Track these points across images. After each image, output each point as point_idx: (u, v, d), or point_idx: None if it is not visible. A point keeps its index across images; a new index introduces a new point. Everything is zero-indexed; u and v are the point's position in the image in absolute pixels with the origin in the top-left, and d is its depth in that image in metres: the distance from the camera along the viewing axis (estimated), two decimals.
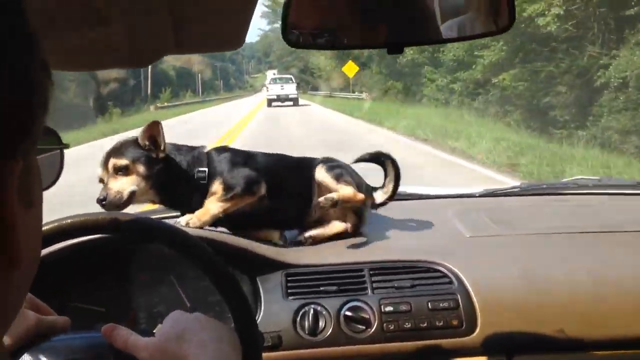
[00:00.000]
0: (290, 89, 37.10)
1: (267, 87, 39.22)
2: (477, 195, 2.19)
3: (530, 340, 1.47)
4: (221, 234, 1.61)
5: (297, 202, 1.77)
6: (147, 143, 1.62)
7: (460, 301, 1.48)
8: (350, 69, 30.43)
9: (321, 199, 1.64)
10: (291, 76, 42.41)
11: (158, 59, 0.90)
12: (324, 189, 1.74)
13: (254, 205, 1.69)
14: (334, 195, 1.65)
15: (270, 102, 36.12)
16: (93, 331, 0.94)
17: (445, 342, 1.47)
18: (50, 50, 0.83)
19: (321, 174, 1.75)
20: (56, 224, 0.99)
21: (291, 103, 35.70)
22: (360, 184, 1.76)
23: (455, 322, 1.47)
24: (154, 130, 1.62)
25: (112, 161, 1.59)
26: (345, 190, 1.69)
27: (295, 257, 1.59)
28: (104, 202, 1.56)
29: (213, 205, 1.63)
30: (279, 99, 36.27)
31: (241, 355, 0.94)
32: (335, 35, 0.96)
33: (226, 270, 1.02)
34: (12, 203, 0.40)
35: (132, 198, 1.60)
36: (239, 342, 0.95)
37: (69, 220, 0.99)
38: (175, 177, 1.65)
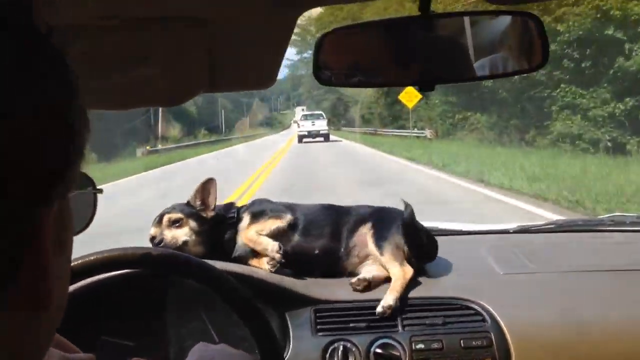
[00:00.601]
0: (321, 125, 37.60)
1: (298, 124, 39.77)
2: (510, 231, 2.16)
3: None
4: (251, 269, 1.61)
5: (329, 250, 1.72)
6: (198, 203, 1.75)
7: (493, 339, 1.45)
8: (410, 97, 22.26)
9: (353, 280, 1.58)
10: (322, 112, 42.87)
11: (191, 98, 0.91)
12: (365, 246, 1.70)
13: (285, 236, 1.69)
14: (365, 275, 1.59)
15: (301, 138, 36.69)
16: None
17: None
18: (87, 90, 0.86)
19: (366, 238, 1.70)
20: (92, 257, 1.01)
21: (322, 139, 36.03)
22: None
23: None
24: (204, 191, 1.75)
25: (167, 216, 1.72)
26: (391, 266, 1.61)
27: (325, 292, 1.57)
28: (160, 245, 1.65)
29: (249, 234, 1.68)
30: (310, 135, 36.74)
31: None
32: (366, 73, 0.97)
33: (254, 306, 1.02)
34: (46, 250, 0.41)
35: (184, 247, 1.68)
36: None
37: (104, 255, 1.00)
38: (217, 229, 1.75)
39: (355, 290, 1.56)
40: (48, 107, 0.40)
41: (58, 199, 0.42)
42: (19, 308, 0.40)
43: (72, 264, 0.99)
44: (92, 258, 0.99)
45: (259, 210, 1.74)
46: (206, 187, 1.76)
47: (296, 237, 1.71)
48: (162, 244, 1.65)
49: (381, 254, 1.65)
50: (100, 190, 0.62)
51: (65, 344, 1.01)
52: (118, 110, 0.91)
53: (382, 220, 1.74)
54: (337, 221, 1.76)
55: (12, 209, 0.38)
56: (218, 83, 0.91)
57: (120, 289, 1.51)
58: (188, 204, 1.76)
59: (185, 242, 1.68)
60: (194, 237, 1.70)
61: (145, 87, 0.85)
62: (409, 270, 1.61)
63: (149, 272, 1.39)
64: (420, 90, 0.92)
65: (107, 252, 1.01)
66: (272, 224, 1.70)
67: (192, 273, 1.03)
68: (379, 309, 1.51)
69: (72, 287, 1.41)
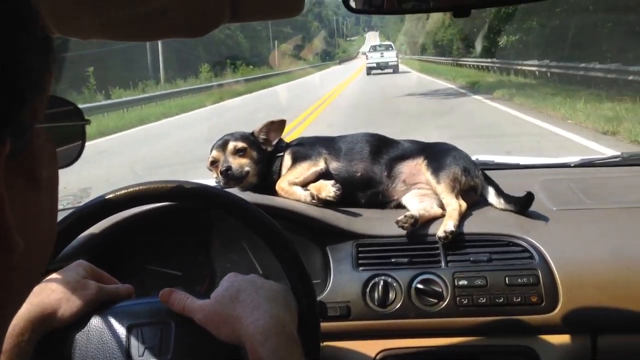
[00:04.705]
0: (390, 56, 37.47)
1: (367, 56, 39.65)
2: (572, 165, 2.06)
3: (618, 319, 1.38)
4: (293, 203, 1.60)
5: (370, 172, 1.72)
6: (262, 137, 1.78)
7: (540, 277, 1.41)
8: None
9: (400, 217, 1.53)
10: (391, 43, 43.00)
11: (214, 29, 0.88)
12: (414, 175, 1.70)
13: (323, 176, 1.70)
14: (413, 213, 1.54)
15: (369, 70, 36.62)
16: (153, 296, 0.98)
17: (523, 318, 1.40)
18: (107, 21, 0.84)
19: (420, 168, 1.71)
20: (123, 191, 1.02)
21: (391, 70, 35.89)
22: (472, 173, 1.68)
23: (534, 299, 1.40)
24: (272, 126, 1.79)
25: (232, 144, 1.74)
26: (446, 196, 1.61)
27: (367, 227, 1.56)
28: (229, 172, 1.69)
29: (281, 184, 1.70)
30: (379, 66, 36.73)
31: (297, 316, 0.94)
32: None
33: (282, 236, 1.02)
34: None
35: (247, 176, 1.73)
36: (296, 303, 0.96)
37: (135, 188, 1.01)
38: (269, 162, 1.77)
39: (401, 227, 1.52)
40: None
41: (13, 136, 0.39)
42: None
43: (108, 196, 1.01)
44: (116, 194, 1.01)
45: (298, 152, 1.76)
46: (275, 124, 1.79)
47: (338, 165, 1.73)
48: (230, 172, 1.69)
49: (437, 182, 1.64)
50: (88, 121, 0.60)
51: (103, 276, 1.04)
52: (138, 41, 0.89)
53: (437, 153, 1.71)
54: (379, 146, 1.76)
55: None
56: (241, 12, 0.86)
57: (167, 219, 1.54)
58: (252, 134, 1.79)
59: (247, 172, 1.72)
60: (253, 167, 1.73)
61: (162, 18, 0.82)
62: (463, 204, 1.60)
63: (183, 205, 1.41)
64: (455, 15, 0.85)
65: (138, 186, 1.02)
66: (306, 171, 1.70)
67: (219, 204, 1.03)
68: (440, 234, 1.49)
69: (114, 219, 1.45)
